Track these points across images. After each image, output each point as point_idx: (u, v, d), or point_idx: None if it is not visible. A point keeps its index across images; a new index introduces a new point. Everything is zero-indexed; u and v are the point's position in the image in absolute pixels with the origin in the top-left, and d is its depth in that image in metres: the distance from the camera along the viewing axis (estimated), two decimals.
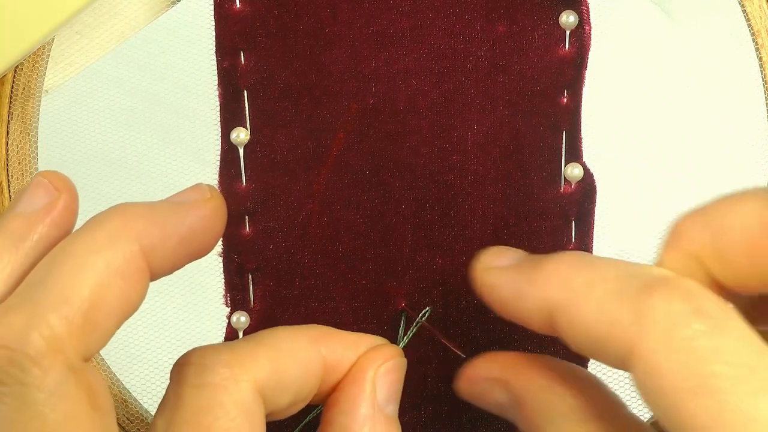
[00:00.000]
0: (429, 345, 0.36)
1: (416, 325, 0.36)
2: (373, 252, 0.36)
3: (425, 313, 0.36)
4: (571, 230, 0.36)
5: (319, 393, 0.32)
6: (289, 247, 0.36)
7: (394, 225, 0.36)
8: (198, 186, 0.32)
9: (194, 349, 0.30)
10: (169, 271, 0.31)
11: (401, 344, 0.36)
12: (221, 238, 0.36)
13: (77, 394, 0.28)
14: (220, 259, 0.36)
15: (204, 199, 0.31)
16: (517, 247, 0.36)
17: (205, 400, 0.28)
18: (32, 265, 0.30)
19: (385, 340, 0.33)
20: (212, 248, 0.32)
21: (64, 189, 0.31)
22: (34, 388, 0.27)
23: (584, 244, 0.36)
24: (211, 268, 0.36)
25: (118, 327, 0.29)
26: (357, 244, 0.36)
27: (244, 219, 0.36)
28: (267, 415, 0.30)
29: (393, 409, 0.32)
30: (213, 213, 0.31)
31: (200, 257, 0.32)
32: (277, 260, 0.36)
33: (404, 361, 0.33)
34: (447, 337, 0.36)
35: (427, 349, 0.37)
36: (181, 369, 0.30)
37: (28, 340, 0.27)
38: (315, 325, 0.32)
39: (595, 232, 0.36)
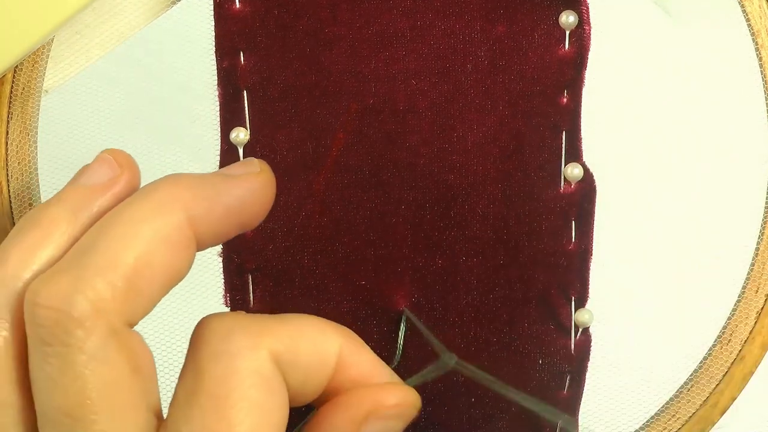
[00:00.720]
0: (429, 347, 0.36)
1: (403, 333, 0.36)
2: (373, 252, 0.36)
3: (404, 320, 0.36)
4: (571, 230, 0.36)
5: (323, 393, 0.31)
6: (289, 247, 0.36)
7: (394, 225, 0.36)
8: (249, 160, 0.33)
9: (214, 315, 0.30)
10: (218, 242, 0.31)
11: (398, 355, 0.36)
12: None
13: (118, 358, 0.28)
14: (220, 259, 0.36)
15: (254, 172, 0.32)
16: (517, 247, 0.36)
17: (222, 369, 0.28)
18: None
19: (409, 388, 0.32)
20: (259, 221, 0.32)
21: (127, 166, 0.32)
22: (76, 350, 0.28)
23: (584, 244, 0.36)
24: (211, 268, 0.36)
25: (164, 294, 0.30)
26: (357, 245, 0.36)
27: None
28: None
29: None
30: (261, 186, 0.32)
31: (248, 229, 0.32)
32: (277, 260, 0.36)
33: (412, 411, 0.32)
34: (434, 336, 0.36)
35: (427, 350, 0.37)
36: (200, 335, 0.30)
37: (73, 302, 0.28)
38: (342, 327, 0.32)
39: (595, 232, 0.36)
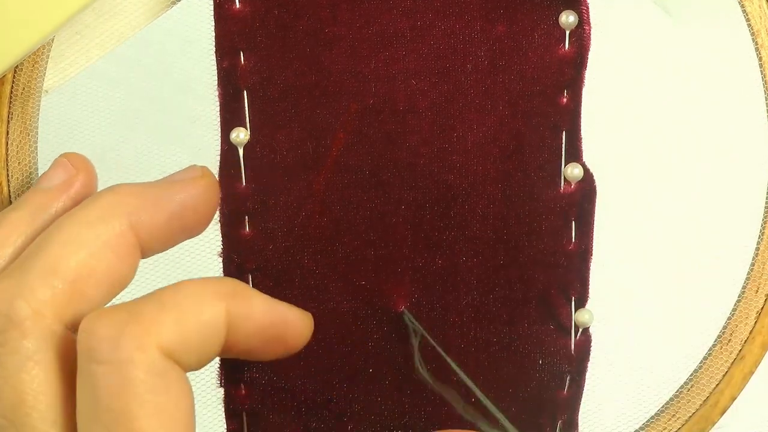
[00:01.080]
0: (427, 347, 0.36)
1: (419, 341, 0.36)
2: (373, 252, 0.36)
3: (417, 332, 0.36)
4: (571, 230, 0.36)
5: (229, 345, 0.32)
6: (289, 247, 0.36)
7: (394, 225, 0.36)
8: (191, 167, 0.33)
9: (97, 315, 0.29)
10: (164, 248, 0.32)
11: (417, 365, 0.36)
12: (222, 238, 0.36)
13: (55, 360, 0.29)
14: (220, 259, 0.36)
15: (195, 177, 0.33)
16: (517, 247, 0.36)
17: (116, 380, 0.28)
18: None
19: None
20: (205, 226, 0.33)
21: (83, 168, 0.33)
22: (12, 351, 0.28)
23: (584, 244, 0.36)
24: (210, 268, 0.36)
25: (108, 299, 0.30)
26: (357, 245, 0.36)
27: (244, 219, 0.36)
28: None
29: None
30: (204, 190, 0.33)
31: (193, 235, 0.33)
32: (277, 260, 0.36)
33: None
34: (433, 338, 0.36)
35: (426, 351, 0.37)
36: (88, 341, 0.29)
37: (13, 305, 0.28)
38: (223, 278, 0.33)
39: (595, 232, 0.36)
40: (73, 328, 0.29)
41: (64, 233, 0.30)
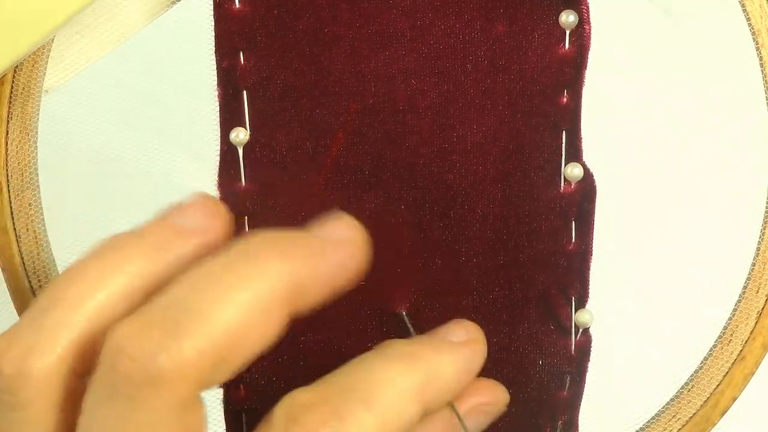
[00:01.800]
0: None
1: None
2: (373, 252, 0.36)
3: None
4: (571, 230, 0.36)
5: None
6: None
7: (394, 225, 0.36)
8: (343, 221, 0.31)
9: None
10: (310, 310, 0.30)
11: None
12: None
13: (173, 428, 0.27)
14: None
15: (354, 238, 0.30)
16: (517, 247, 0.36)
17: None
18: (168, 277, 0.29)
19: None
20: (347, 289, 0.30)
21: (221, 217, 0.30)
22: (139, 405, 0.27)
23: (584, 244, 0.36)
24: None
25: (249, 361, 0.28)
26: None
27: (244, 219, 0.36)
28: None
29: None
30: (362, 252, 0.30)
31: (339, 294, 0.31)
32: None
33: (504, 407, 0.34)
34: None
35: None
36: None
37: (157, 359, 0.26)
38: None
39: (595, 232, 0.36)
40: (204, 389, 0.28)
41: (220, 289, 0.27)
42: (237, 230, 0.36)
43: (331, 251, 0.30)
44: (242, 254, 0.28)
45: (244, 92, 0.35)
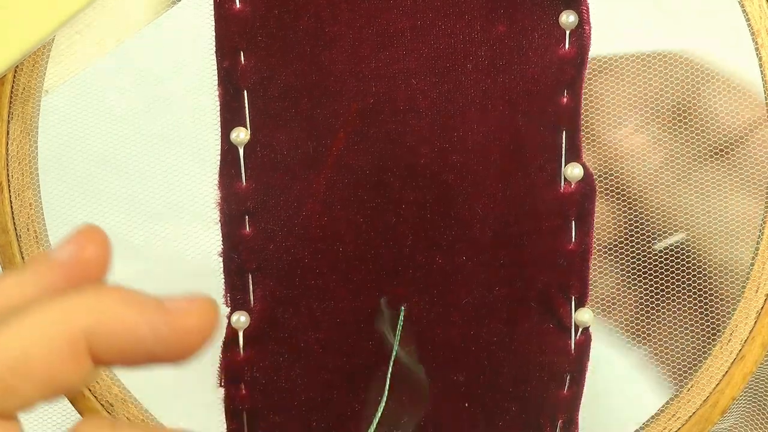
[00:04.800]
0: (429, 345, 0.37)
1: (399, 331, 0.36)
2: (374, 252, 0.36)
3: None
4: (571, 230, 0.36)
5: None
6: (290, 246, 0.36)
7: (395, 225, 0.36)
8: (196, 299, 0.29)
9: None
10: (126, 367, 0.29)
11: (395, 350, 0.36)
12: (222, 238, 0.36)
13: None
14: (220, 259, 0.36)
15: (193, 311, 0.29)
16: (517, 247, 0.36)
17: None
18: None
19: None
20: (185, 363, 0.29)
21: (93, 246, 0.30)
22: None
23: (584, 244, 0.36)
24: (210, 268, 0.36)
25: (43, 399, 0.29)
26: (357, 244, 0.36)
27: (244, 219, 0.36)
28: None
29: None
30: (193, 328, 0.29)
31: (168, 364, 0.29)
32: (278, 260, 0.36)
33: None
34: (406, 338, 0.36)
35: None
36: None
37: None
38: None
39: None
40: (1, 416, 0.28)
41: (21, 323, 0.28)
42: (238, 230, 0.36)
43: (159, 315, 0.29)
44: (60, 295, 0.29)
45: (245, 92, 0.35)
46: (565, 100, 0.35)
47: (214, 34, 0.35)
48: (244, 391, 0.37)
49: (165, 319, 0.28)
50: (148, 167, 0.38)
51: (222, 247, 0.36)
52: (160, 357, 0.29)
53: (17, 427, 0.29)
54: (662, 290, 0.38)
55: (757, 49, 0.36)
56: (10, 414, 0.28)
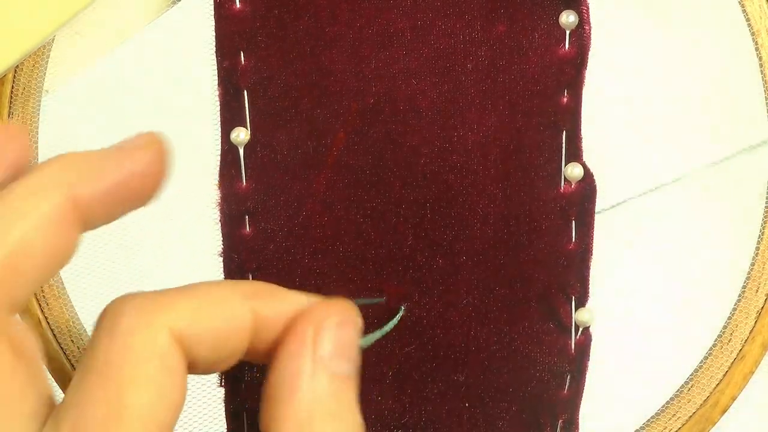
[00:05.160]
0: (430, 344, 0.37)
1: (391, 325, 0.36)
2: (374, 252, 0.36)
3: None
4: (571, 230, 0.36)
5: (255, 350, 0.30)
6: (290, 246, 0.36)
7: (395, 225, 0.36)
8: (141, 133, 0.31)
9: (120, 298, 0.29)
10: (106, 220, 0.30)
11: (381, 332, 0.35)
12: (222, 238, 0.36)
13: None
14: (220, 259, 0.36)
15: (143, 144, 0.30)
16: (517, 247, 0.36)
17: (116, 346, 0.27)
18: None
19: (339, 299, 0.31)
20: (151, 197, 0.30)
21: (14, 139, 0.30)
22: None
23: (584, 244, 0.36)
24: (211, 268, 0.36)
25: (48, 276, 0.29)
26: (357, 244, 0.36)
27: (244, 219, 0.36)
28: (189, 367, 0.29)
29: (344, 367, 0.30)
30: (151, 158, 0.30)
31: (142, 206, 0.30)
32: (278, 260, 0.36)
33: (356, 318, 0.31)
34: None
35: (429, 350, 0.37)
36: (99, 318, 0.28)
37: None
38: (253, 281, 0.31)
39: (595, 232, 0.36)
40: (12, 307, 0.28)
41: (5, 208, 0.28)
42: (238, 230, 0.36)
43: (117, 157, 0.30)
44: (26, 174, 0.29)
45: (245, 92, 0.35)
46: (565, 100, 0.35)
47: (214, 34, 0.35)
48: (244, 392, 0.37)
49: (124, 155, 0.30)
50: None
51: (222, 247, 0.36)
52: (136, 195, 0.30)
53: (21, 324, 0.28)
54: None
55: (757, 49, 0.36)
56: (23, 303, 0.28)
